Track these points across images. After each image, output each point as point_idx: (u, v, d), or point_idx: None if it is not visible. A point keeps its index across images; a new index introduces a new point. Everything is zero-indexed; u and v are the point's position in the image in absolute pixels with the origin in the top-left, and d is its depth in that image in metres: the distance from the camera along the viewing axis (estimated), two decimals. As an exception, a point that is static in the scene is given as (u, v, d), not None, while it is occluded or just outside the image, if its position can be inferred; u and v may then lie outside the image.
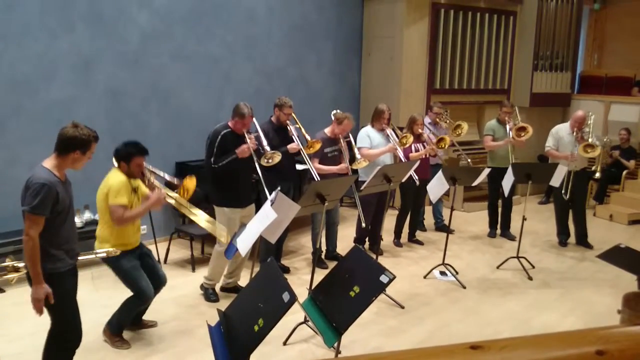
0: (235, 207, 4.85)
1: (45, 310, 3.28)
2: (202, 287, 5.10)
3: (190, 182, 4.18)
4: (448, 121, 7.05)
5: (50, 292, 3.16)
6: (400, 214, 6.66)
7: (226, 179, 4.78)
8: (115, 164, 4.08)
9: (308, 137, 5.39)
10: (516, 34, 9.02)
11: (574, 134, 6.38)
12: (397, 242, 6.67)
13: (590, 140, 6.33)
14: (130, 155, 3.98)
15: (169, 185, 4.52)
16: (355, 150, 5.78)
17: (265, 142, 4.93)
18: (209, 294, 5.02)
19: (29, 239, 3.08)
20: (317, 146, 5.37)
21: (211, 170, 4.76)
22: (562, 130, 6.54)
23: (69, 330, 3.39)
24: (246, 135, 4.79)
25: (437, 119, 7.01)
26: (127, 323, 4.24)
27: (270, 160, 4.86)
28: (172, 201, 4.17)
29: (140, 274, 4.07)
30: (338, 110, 5.77)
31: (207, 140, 4.82)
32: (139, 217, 4.04)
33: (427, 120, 7.01)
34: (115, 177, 3.97)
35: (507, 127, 6.68)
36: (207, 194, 5.90)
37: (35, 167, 3.19)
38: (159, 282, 4.26)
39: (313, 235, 5.93)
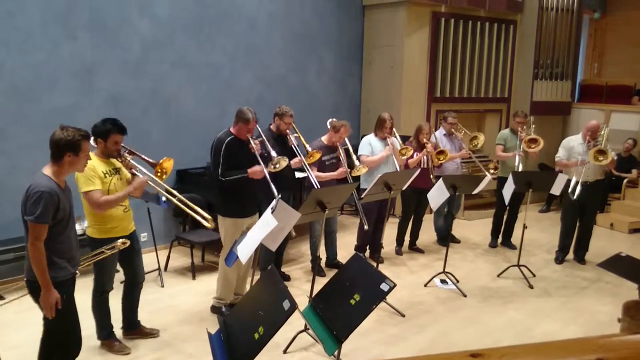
0: (243, 217, 4.71)
1: (43, 319, 3.27)
2: (212, 309, 4.90)
3: (168, 163, 4.08)
4: (463, 132, 6.89)
5: (59, 298, 3.16)
6: (401, 222, 6.66)
7: (234, 189, 4.63)
8: (93, 143, 3.94)
9: (308, 148, 5.40)
10: (516, 43, 9.06)
11: (587, 143, 6.11)
12: (398, 250, 6.66)
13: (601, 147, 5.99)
14: (108, 132, 3.87)
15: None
16: (354, 158, 5.78)
17: (270, 147, 4.84)
18: (223, 312, 4.76)
19: (34, 248, 3.06)
20: (317, 156, 5.37)
21: (218, 181, 4.62)
22: (574, 140, 6.33)
23: (70, 339, 3.37)
24: (251, 140, 4.66)
25: (452, 130, 6.75)
26: (107, 320, 4.20)
27: (277, 165, 4.76)
28: (152, 185, 4.06)
29: (111, 268, 4.07)
30: (334, 119, 5.77)
31: (211, 149, 4.68)
32: (119, 202, 3.90)
33: (441, 131, 6.85)
34: None
35: (519, 137, 6.59)
36: (209, 202, 5.91)
37: (35, 175, 3.18)
38: (135, 280, 4.29)
39: (311, 243, 5.92)
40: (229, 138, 4.62)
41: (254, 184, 4.73)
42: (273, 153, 4.80)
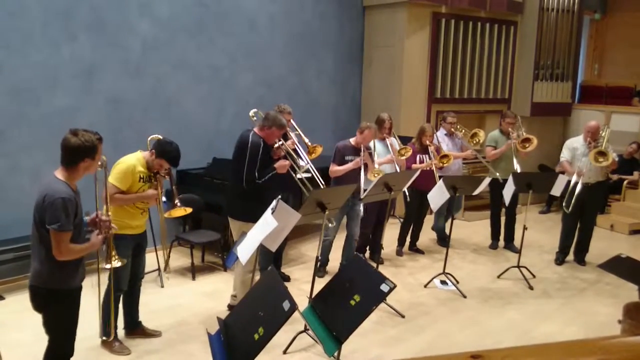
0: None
1: (44, 324, 3.25)
2: (229, 307, 4.93)
3: (180, 212, 4.28)
4: (463, 130, 6.89)
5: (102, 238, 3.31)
6: (404, 223, 6.66)
7: (259, 193, 4.63)
8: (149, 148, 4.23)
9: (308, 142, 5.42)
10: (517, 44, 9.06)
11: (587, 145, 6.10)
12: (399, 251, 6.65)
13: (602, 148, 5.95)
14: (163, 154, 4.09)
15: (168, 196, 4.60)
16: (374, 161, 5.75)
17: (296, 155, 4.98)
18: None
19: (64, 253, 3.03)
20: (319, 150, 5.40)
21: (251, 185, 4.58)
22: (577, 141, 6.31)
23: (67, 345, 3.33)
24: (277, 144, 4.76)
25: (452, 129, 6.76)
26: (115, 319, 4.18)
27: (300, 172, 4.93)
28: (160, 206, 4.28)
29: (127, 264, 4.12)
30: (366, 123, 5.75)
31: (245, 152, 4.60)
32: (128, 202, 4.03)
33: (441, 131, 6.86)
34: (127, 159, 4.07)
35: (511, 138, 6.59)
36: (208, 203, 5.92)
37: (49, 180, 3.11)
38: (136, 278, 4.34)
39: (324, 244, 5.72)
40: (261, 141, 4.65)
41: (278, 186, 4.75)
42: (301, 162, 4.92)
